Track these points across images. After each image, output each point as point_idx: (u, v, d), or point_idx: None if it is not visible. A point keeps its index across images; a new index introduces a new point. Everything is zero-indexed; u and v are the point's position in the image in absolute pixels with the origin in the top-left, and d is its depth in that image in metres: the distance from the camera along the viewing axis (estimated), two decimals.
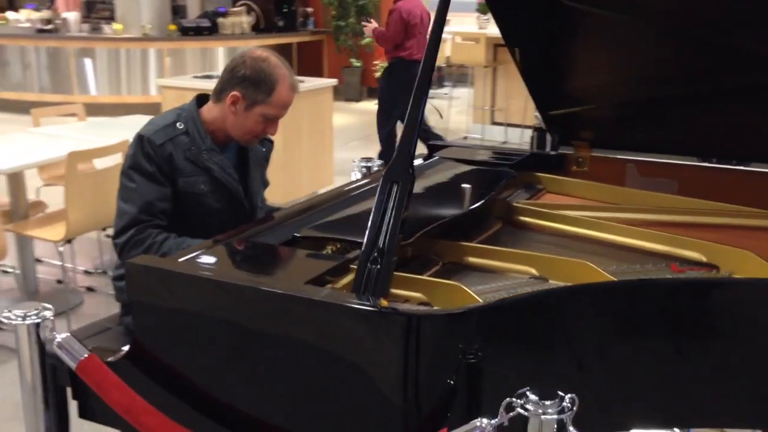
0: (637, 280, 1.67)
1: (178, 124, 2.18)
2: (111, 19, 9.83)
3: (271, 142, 2.50)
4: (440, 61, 8.82)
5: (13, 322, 1.52)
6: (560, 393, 1.26)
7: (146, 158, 2.13)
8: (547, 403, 1.25)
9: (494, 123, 7.69)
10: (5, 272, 4.16)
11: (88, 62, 9.54)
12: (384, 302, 1.37)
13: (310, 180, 5.42)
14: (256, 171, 2.38)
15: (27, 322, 1.53)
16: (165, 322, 1.48)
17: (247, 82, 2.15)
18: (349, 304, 1.30)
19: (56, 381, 1.58)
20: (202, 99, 2.28)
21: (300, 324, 1.35)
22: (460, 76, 10.27)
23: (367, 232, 1.43)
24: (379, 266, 1.39)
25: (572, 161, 2.59)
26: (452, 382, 1.36)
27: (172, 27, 9.59)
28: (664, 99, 2.43)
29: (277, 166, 4.99)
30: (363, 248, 1.42)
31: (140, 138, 2.14)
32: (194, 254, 1.56)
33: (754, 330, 1.49)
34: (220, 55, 9.87)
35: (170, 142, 2.14)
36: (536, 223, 2.14)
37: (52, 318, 1.56)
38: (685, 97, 2.39)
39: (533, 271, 1.79)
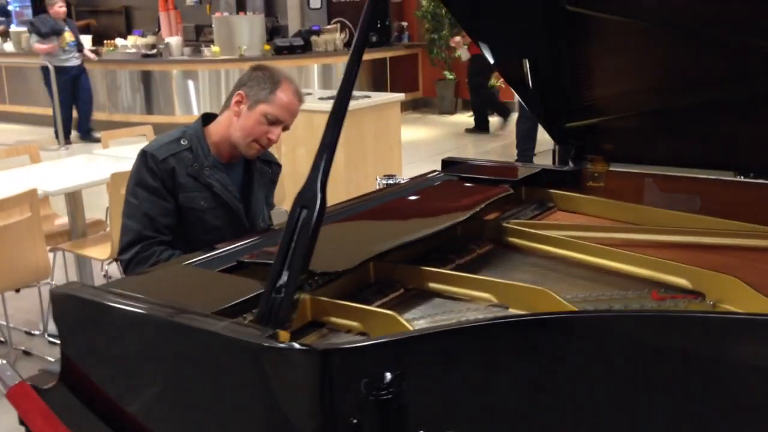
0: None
1: (182, 141, 2.23)
2: (211, 42, 10.21)
3: (279, 165, 2.50)
4: None
5: None
6: None
7: (150, 173, 2.17)
8: None
9: None
10: None
11: (190, 84, 9.94)
12: (284, 334, 1.31)
13: None
14: (261, 191, 2.39)
15: None
16: (83, 346, 1.48)
17: (252, 82, 2.22)
18: (229, 335, 1.25)
19: None
20: (207, 118, 2.32)
21: (191, 352, 1.31)
22: None
23: (273, 261, 1.37)
24: (282, 296, 1.32)
25: (588, 176, 2.42)
26: (355, 421, 1.28)
27: (267, 47, 9.83)
28: (687, 108, 2.24)
29: (340, 182, 5.00)
30: (269, 277, 1.36)
31: (144, 154, 2.19)
32: (128, 279, 1.55)
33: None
34: (314, 72, 10.04)
35: (173, 158, 2.19)
36: (524, 244, 2.01)
37: None
38: (709, 106, 2.19)
39: (493, 298, 1.67)
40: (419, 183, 2.37)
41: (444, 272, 1.73)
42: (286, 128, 2.28)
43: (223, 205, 2.23)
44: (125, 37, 10.76)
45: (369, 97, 5.44)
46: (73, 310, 1.48)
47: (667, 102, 2.27)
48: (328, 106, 5.19)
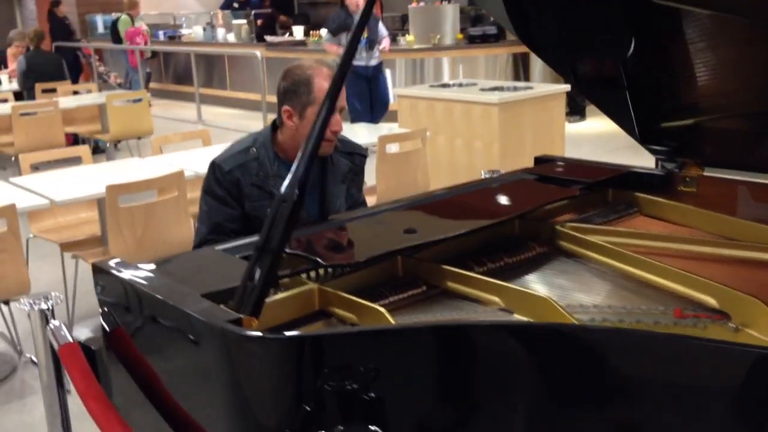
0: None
1: (251, 150, 2.33)
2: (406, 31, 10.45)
3: (363, 156, 2.53)
4: None
5: (25, 309, 1.82)
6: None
7: (216, 183, 2.32)
8: None
9: None
10: None
11: (387, 72, 10.25)
12: (252, 321, 1.40)
13: None
14: (337, 186, 2.43)
15: (36, 308, 1.82)
16: (112, 314, 1.67)
17: (289, 93, 2.27)
18: (197, 315, 1.36)
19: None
20: (277, 124, 2.41)
21: (176, 329, 1.45)
22: None
23: (253, 251, 1.46)
24: (254, 284, 1.41)
25: (680, 181, 2.26)
26: (309, 409, 1.34)
27: (459, 36, 9.90)
28: None
29: None
30: (247, 266, 1.45)
31: (212, 164, 2.34)
32: (163, 259, 1.72)
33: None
34: (504, 61, 9.94)
35: (238, 169, 2.30)
36: (571, 248, 1.94)
37: (55, 304, 1.83)
38: None
39: (501, 302, 1.65)
40: (490, 181, 2.35)
41: (460, 272, 1.72)
42: (342, 111, 2.29)
43: None
44: None
45: (531, 88, 5.35)
46: (105, 281, 1.67)
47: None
48: (475, 96, 5.19)
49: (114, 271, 1.63)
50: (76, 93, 8.20)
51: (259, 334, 1.31)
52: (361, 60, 7.30)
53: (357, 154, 2.48)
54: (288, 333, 1.29)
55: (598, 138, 8.02)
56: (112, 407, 1.64)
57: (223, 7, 14.71)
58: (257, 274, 1.42)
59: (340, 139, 2.46)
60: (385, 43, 7.55)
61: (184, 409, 1.53)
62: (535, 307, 1.55)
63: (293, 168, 1.47)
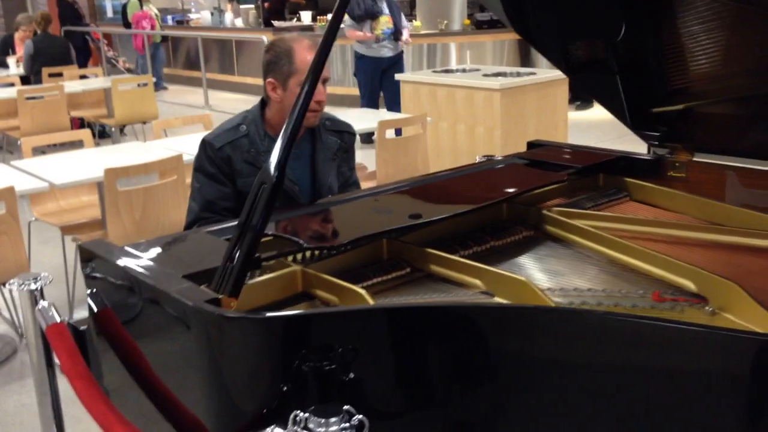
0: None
1: (241, 127, 2.35)
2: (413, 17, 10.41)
3: (352, 134, 2.55)
4: None
5: (14, 289, 1.84)
6: (350, 410, 1.21)
7: (208, 161, 2.34)
8: (331, 420, 1.21)
9: None
10: None
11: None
12: (231, 302, 1.41)
13: None
14: (327, 163, 2.45)
15: (24, 289, 1.84)
16: (100, 295, 1.69)
17: (271, 65, 2.30)
18: (175, 295, 1.38)
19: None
20: (265, 102, 2.43)
21: (158, 309, 1.47)
22: None
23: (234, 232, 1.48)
24: (233, 264, 1.43)
25: (669, 166, 2.26)
26: (285, 389, 1.36)
27: (467, 21, 9.86)
28: None
29: None
30: (228, 247, 1.47)
31: (203, 142, 2.36)
32: (148, 241, 1.74)
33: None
34: (510, 47, 9.90)
35: (229, 146, 2.32)
36: (556, 232, 1.95)
37: (44, 284, 1.85)
38: None
39: (482, 285, 1.66)
40: (481, 165, 2.36)
41: (442, 255, 1.73)
42: (326, 81, 2.29)
43: None
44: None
45: (534, 74, 5.33)
46: (91, 262, 1.70)
47: (761, 87, 2.07)
48: (477, 82, 5.18)
49: (100, 253, 1.65)
50: (84, 77, 8.23)
51: (236, 313, 1.33)
52: (385, 51, 6.85)
53: (346, 132, 2.51)
54: (263, 313, 1.31)
55: (606, 124, 7.98)
56: (98, 387, 1.66)
57: None
58: (237, 255, 1.43)
59: (329, 117, 2.48)
60: (406, 33, 7.04)
61: (169, 389, 1.55)
62: (514, 289, 1.56)
63: (276, 147, 1.48)
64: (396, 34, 6.83)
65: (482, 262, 1.79)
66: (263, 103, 2.41)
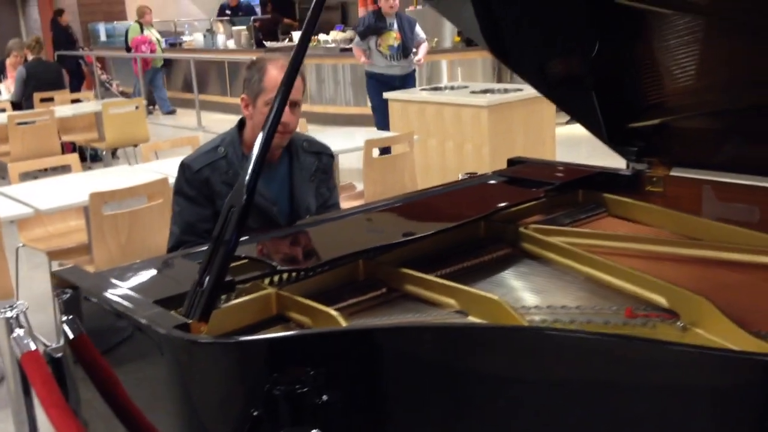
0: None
1: (219, 149, 2.36)
2: None
3: (331, 156, 2.55)
4: None
5: None
6: None
7: (187, 183, 2.34)
8: None
9: None
10: None
11: None
12: (201, 326, 1.41)
13: None
14: (305, 185, 2.45)
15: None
16: (75, 322, 1.69)
17: (246, 82, 2.34)
18: (144, 322, 1.38)
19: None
20: (244, 122, 2.44)
21: (128, 334, 1.47)
22: None
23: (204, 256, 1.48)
24: (202, 289, 1.43)
25: (647, 181, 2.27)
26: (256, 413, 1.36)
27: (457, 39, 9.91)
28: (758, 107, 2.04)
29: None
30: (198, 271, 1.47)
31: (182, 165, 2.37)
32: (123, 267, 1.74)
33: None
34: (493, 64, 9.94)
35: (208, 167, 2.32)
36: (533, 250, 1.95)
37: (22, 312, 1.84)
38: None
39: (456, 304, 1.66)
40: (461, 183, 2.37)
41: (416, 275, 1.73)
42: (295, 104, 2.29)
43: (257, 208, 2.31)
44: (327, 33, 11.35)
45: (521, 90, 5.35)
46: (64, 289, 1.69)
47: (735, 101, 2.08)
48: (464, 99, 5.20)
49: (72, 280, 1.65)
50: (77, 101, 8.26)
51: (205, 338, 1.33)
52: (393, 69, 6.50)
53: (324, 154, 2.51)
54: (231, 338, 1.31)
55: (594, 139, 8.01)
56: (73, 417, 1.66)
57: (219, 14, 14.76)
58: (206, 279, 1.43)
59: (306, 138, 2.49)
60: (422, 51, 6.61)
61: (145, 416, 1.54)
62: (487, 308, 1.56)
63: (245, 169, 1.48)
64: (405, 51, 6.47)
65: (459, 281, 1.79)
66: (241, 124, 2.43)
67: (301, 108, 2.39)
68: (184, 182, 2.35)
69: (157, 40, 11.91)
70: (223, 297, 1.61)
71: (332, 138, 4.12)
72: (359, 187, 4.62)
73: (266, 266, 1.72)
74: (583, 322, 1.57)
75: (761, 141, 2.09)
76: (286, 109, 2.21)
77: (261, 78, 2.30)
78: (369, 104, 9.78)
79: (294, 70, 1.57)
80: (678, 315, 1.53)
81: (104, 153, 7.48)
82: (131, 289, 1.57)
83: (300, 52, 1.59)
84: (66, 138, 7.52)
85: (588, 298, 1.69)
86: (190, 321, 1.39)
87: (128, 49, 11.90)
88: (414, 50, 6.57)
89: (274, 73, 2.29)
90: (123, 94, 12.80)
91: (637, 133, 2.28)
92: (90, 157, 8.03)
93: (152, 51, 11.66)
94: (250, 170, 1.47)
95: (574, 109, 2.32)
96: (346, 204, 4.40)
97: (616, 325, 1.54)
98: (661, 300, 1.57)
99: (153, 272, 1.75)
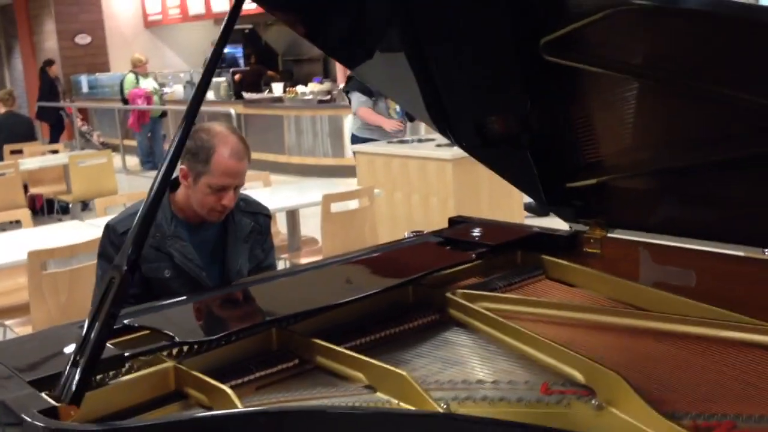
0: None
1: None
2: None
3: (267, 216, 2.47)
4: None
5: None
6: None
7: (111, 246, 2.24)
8: None
9: None
10: None
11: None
12: (71, 410, 1.30)
13: None
14: (239, 247, 2.36)
15: None
16: None
17: (189, 154, 2.17)
18: (7, 403, 1.27)
19: None
20: (175, 183, 2.33)
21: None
22: None
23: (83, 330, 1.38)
24: (77, 369, 1.32)
25: (585, 242, 2.19)
26: None
27: None
28: (694, 168, 1.98)
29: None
30: (74, 349, 1.37)
31: (106, 227, 2.27)
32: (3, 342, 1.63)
33: None
34: None
35: None
36: (460, 317, 1.86)
37: None
38: (719, 166, 1.92)
39: (364, 379, 1.56)
40: (398, 243, 2.28)
41: (327, 346, 1.64)
42: (238, 188, 2.24)
43: (185, 273, 2.23)
44: (305, 84, 11.39)
45: None
46: None
47: (672, 161, 2.02)
48: (429, 152, 5.16)
49: None
50: (55, 152, 8.17)
51: (67, 426, 1.22)
52: (399, 134, 5.73)
53: (261, 214, 2.43)
54: (91, 426, 1.20)
55: None
56: None
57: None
58: (79, 358, 1.33)
59: (243, 198, 2.41)
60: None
61: None
62: (393, 383, 1.48)
63: (128, 240, 1.39)
64: (410, 115, 5.58)
65: (376, 351, 1.71)
66: (173, 186, 2.32)
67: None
68: (108, 245, 2.25)
69: (154, 89, 11.63)
70: (112, 373, 1.50)
71: (289, 192, 4.08)
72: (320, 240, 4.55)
73: (166, 337, 1.62)
74: (496, 398, 1.47)
75: (698, 203, 2.03)
76: (230, 193, 2.19)
77: (208, 160, 2.15)
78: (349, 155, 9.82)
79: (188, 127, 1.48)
80: (594, 392, 1.43)
81: (70, 206, 7.38)
82: (12, 366, 1.47)
83: (195, 102, 1.51)
84: (34, 190, 7.43)
85: (508, 371, 1.60)
86: (59, 405, 1.28)
87: (125, 101, 11.57)
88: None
89: (223, 160, 2.15)
90: (104, 144, 12.72)
91: (575, 193, 2.21)
92: (61, 210, 7.93)
93: (148, 104, 11.34)
94: (132, 240, 1.39)
95: (511, 170, 2.25)
96: (306, 260, 4.34)
97: (528, 402, 1.45)
98: (578, 375, 1.48)
99: (42, 346, 1.64)
